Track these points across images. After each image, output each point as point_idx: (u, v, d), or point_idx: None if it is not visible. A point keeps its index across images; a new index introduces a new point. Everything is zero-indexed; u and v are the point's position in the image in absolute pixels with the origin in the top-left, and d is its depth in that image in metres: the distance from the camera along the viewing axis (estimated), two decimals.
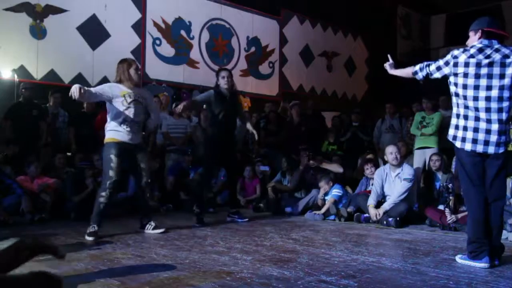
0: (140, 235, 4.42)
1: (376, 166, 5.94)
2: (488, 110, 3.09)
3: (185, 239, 4.19)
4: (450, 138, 3.28)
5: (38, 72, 7.27)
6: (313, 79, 11.39)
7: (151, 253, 3.59)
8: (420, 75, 3.40)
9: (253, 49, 10.19)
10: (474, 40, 3.21)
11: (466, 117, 3.17)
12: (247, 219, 5.42)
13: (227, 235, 4.46)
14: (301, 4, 10.87)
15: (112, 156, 4.24)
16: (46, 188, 5.60)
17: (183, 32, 9.08)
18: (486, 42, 3.12)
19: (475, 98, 3.10)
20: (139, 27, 8.42)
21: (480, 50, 3.11)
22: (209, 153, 5.32)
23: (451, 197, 4.95)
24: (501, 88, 3.05)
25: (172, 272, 2.99)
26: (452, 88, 3.24)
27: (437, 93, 7.18)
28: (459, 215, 4.86)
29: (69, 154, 6.70)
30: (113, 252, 3.62)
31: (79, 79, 7.65)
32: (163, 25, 8.77)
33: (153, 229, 4.52)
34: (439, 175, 5.62)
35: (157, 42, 8.67)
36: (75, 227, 4.84)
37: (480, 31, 3.18)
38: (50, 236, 4.31)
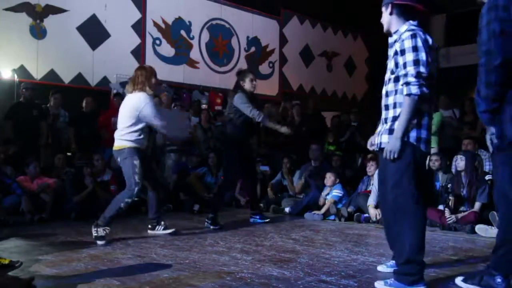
0: (140, 235, 4.42)
1: (378, 164, 5.93)
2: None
3: (185, 239, 4.20)
4: (413, 140, 2.59)
5: (38, 72, 7.28)
6: (313, 79, 11.39)
7: (151, 253, 3.59)
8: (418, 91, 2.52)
9: (253, 49, 10.20)
10: (386, 16, 2.73)
11: (429, 114, 2.67)
12: (268, 219, 5.32)
13: (227, 235, 4.46)
14: (301, 4, 10.87)
15: (136, 162, 4.19)
16: (46, 188, 5.59)
17: (183, 32, 9.08)
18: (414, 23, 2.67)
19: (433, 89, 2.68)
20: (139, 27, 8.42)
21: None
22: (235, 159, 5.09)
23: (450, 197, 4.95)
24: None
25: (172, 272, 2.99)
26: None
27: (437, 93, 7.19)
28: (459, 215, 4.86)
29: (69, 154, 6.70)
30: (113, 252, 3.63)
31: (79, 79, 7.67)
32: (163, 25, 8.77)
33: (164, 229, 4.51)
34: (439, 175, 5.62)
35: (157, 42, 8.67)
36: (75, 227, 4.84)
37: (390, 5, 2.70)
38: (50, 236, 4.32)
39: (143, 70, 4.35)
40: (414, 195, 2.57)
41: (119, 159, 4.28)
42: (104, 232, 4.06)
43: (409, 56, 2.53)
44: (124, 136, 4.26)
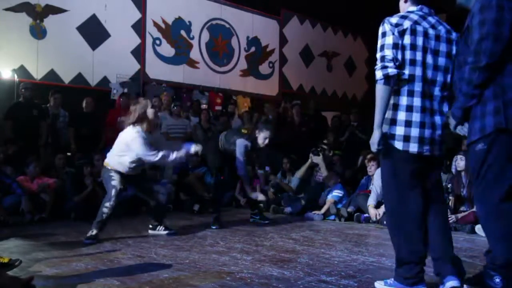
0: (140, 235, 4.43)
1: (379, 164, 5.93)
2: (433, 97, 2.52)
3: (185, 239, 4.20)
4: (387, 137, 2.51)
5: (38, 72, 7.27)
6: (313, 79, 11.38)
7: (151, 253, 3.60)
8: (383, 77, 2.42)
9: (253, 49, 10.19)
10: (405, 7, 2.61)
11: (410, 108, 2.46)
12: (268, 221, 5.30)
13: (227, 235, 4.46)
14: (301, 4, 10.85)
15: (113, 173, 4.25)
16: (46, 188, 5.59)
17: (183, 32, 9.08)
18: (426, 9, 2.55)
19: (425, 81, 2.47)
20: (139, 27, 8.42)
21: (423, 17, 2.51)
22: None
23: (450, 197, 4.95)
24: (446, 70, 2.53)
25: (172, 272, 2.99)
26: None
27: None
28: (459, 215, 4.86)
29: (69, 154, 6.70)
30: (113, 252, 3.63)
31: (79, 79, 7.66)
32: (163, 25, 8.76)
33: (165, 229, 4.53)
34: None
35: (157, 42, 8.66)
36: (75, 227, 4.84)
37: None
38: (50, 236, 4.32)
39: (137, 103, 4.38)
40: (397, 195, 2.51)
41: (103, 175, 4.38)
42: (91, 233, 4.09)
43: (378, 44, 2.49)
44: (114, 159, 4.30)
